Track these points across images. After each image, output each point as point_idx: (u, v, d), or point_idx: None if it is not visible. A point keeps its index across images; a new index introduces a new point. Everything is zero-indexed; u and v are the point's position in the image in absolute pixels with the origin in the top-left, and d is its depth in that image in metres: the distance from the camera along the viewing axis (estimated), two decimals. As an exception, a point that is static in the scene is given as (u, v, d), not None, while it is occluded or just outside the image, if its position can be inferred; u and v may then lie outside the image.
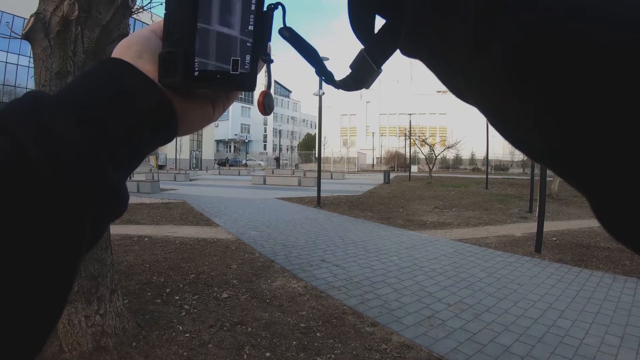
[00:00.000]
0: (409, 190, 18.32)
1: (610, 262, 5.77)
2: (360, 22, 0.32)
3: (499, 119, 0.22)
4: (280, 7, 0.36)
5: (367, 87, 0.38)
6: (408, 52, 0.28)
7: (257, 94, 0.39)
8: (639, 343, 3.31)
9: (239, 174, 32.05)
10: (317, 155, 15.44)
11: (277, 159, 50.10)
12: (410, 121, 35.06)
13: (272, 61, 0.38)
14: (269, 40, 0.37)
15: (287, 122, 77.44)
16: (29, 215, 0.24)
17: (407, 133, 31.97)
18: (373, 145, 54.40)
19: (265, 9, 0.35)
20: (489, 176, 20.88)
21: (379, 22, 0.32)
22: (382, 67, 0.36)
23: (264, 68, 0.39)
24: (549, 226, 7.64)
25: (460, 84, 0.24)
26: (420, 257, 6.14)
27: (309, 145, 64.86)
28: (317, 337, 3.36)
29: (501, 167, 43.81)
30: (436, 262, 5.82)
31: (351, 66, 0.36)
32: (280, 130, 66.01)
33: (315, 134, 66.51)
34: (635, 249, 0.19)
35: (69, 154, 0.26)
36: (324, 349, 3.16)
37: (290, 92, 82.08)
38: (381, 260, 5.90)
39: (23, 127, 0.25)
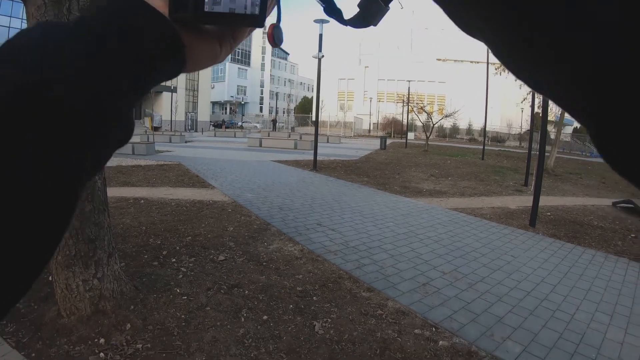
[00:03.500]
0: (405, 157, 18.30)
1: (603, 241, 5.86)
2: None
3: (506, 54, 0.22)
4: None
5: (375, 25, 0.39)
6: None
7: (266, 27, 0.38)
8: (627, 322, 3.37)
9: (235, 136, 31.76)
10: (313, 119, 15.27)
11: (274, 122, 49.39)
12: (409, 88, 34.54)
13: None
14: None
15: (284, 85, 75.66)
16: (28, 138, 0.24)
17: (406, 100, 31.49)
18: (370, 110, 53.60)
19: None
20: (485, 147, 20.85)
21: None
22: (390, 5, 0.37)
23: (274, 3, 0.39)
24: (543, 201, 7.68)
25: (470, 17, 0.24)
26: (416, 224, 6.19)
27: (306, 109, 63.90)
28: (313, 300, 3.40)
29: (498, 139, 43.74)
30: (432, 230, 5.87)
31: (359, 4, 0.37)
32: (277, 93, 64.90)
33: (312, 97, 65.40)
34: (629, 176, 0.19)
35: (73, 79, 0.26)
36: (321, 312, 3.20)
37: (288, 54, 79.73)
38: (377, 225, 5.94)
39: (30, 51, 0.26)
